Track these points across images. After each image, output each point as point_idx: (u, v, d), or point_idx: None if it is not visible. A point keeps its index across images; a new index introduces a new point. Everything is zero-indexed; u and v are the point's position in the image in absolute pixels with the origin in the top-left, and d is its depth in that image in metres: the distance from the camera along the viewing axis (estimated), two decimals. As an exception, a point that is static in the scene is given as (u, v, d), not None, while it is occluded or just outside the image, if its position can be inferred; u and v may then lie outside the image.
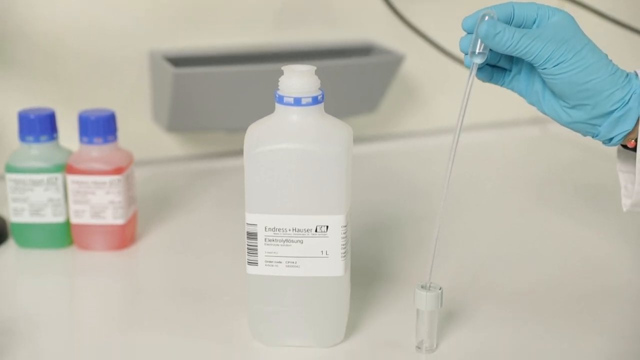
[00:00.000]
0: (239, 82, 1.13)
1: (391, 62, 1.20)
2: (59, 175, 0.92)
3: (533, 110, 1.34)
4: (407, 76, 1.32)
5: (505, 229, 1.02)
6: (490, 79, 0.76)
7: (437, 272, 0.74)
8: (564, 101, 0.72)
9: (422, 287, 0.74)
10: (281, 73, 0.71)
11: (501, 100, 1.37)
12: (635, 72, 0.72)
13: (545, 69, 0.70)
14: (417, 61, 1.29)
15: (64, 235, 0.94)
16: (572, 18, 0.72)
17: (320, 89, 0.71)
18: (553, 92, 0.72)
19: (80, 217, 0.93)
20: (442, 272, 0.75)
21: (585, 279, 0.89)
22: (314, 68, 0.71)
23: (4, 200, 0.96)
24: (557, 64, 0.70)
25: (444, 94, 1.34)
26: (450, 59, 1.25)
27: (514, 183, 1.18)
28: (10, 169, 0.92)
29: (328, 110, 0.73)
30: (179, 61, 1.14)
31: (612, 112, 0.71)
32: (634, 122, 0.71)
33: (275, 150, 0.70)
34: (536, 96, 0.74)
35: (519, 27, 0.71)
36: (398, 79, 1.29)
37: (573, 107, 0.71)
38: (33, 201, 0.93)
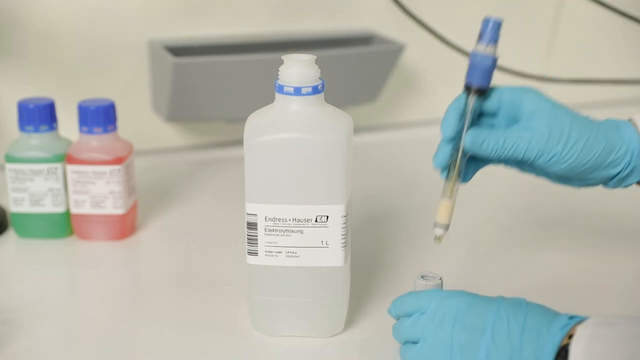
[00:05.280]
0: (239, 71, 1.13)
1: (391, 52, 1.20)
2: (58, 165, 0.92)
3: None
4: (408, 66, 1.31)
5: (506, 220, 1.02)
6: (484, 165, 0.76)
7: (438, 262, 0.74)
8: (567, 181, 0.72)
9: (422, 277, 0.74)
10: (281, 62, 0.71)
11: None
12: (631, 119, 0.73)
13: (539, 164, 0.70)
14: (418, 51, 1.29)
15: (64, 225, 0.94)
16: (539, 92, 0.72)
17: (320, 78, 0.71)
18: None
19: (81, 207, 0.93)
20: (442, 262, 0.75)
21: (586, 271, 0.89)
22: (314, 57, 0.71)
23: (4, 190, 0.96)
24: (550, 159, 0.70)
25: (444, 84, 1.34)
26: (451, 48, 1.24)
27: (515, 174, 1.17)
28: (10, 159, 0.92)
29: (328, 100, 0.73)
30: (178, 51, 1.14)
31: (617, 174, 0.71)
32: None
33: (275, 140, 0.70)
34: (536, 174, 0.74)
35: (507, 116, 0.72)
36: (398, 68, 1.28)
37: (577, 181, 0.72)
38: (33, 191, 0.93)
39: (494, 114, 0.72)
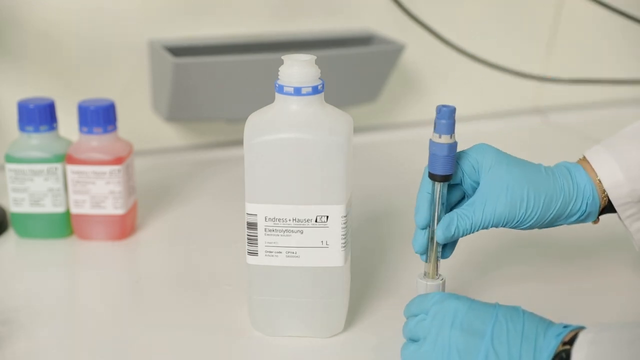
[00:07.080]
0: (239, 71, 1.13)
1: (391, 52, 1.20)
2: (58, 165, 0.92)
3: (534, 100, 1.34)
4: (408, 66, 1.31)
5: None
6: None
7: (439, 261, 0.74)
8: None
9: (424, 276, 0.74)
10: (281, 62, 0.71)
11: (502, 90, 1.37)
12: (585, 157, 0.76)
13: (505, 227, 0.74)
14: (418, 51, 1.29)
15: (64, 225, 0.94)
16: (492, 150, 0.74)
17: (320, 78, 0.71)
18: None
19: (81, 207, 0.93)
20: (444, 261, 0.75)
21: (586, 273, 0.89)
22: (314, 57, 0.71)
23: (4, 190, 0.96)
24: (515, 223, 0.73)
25: (444, 84, 1.34)
26: (451, 48, 1.24)
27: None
28: (10, 159, 0.92)
29: (328, 100, 0.73)
30: (178, 51, 1.14)
31: (577, 218, 0.75)
32: (597, 216, 0.76)
33: (275, 140, 0.70)
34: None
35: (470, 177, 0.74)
36: (398, 68, 1.28)
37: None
38: (33, 191, 0.93)
39: (459, 183, 0.75)
